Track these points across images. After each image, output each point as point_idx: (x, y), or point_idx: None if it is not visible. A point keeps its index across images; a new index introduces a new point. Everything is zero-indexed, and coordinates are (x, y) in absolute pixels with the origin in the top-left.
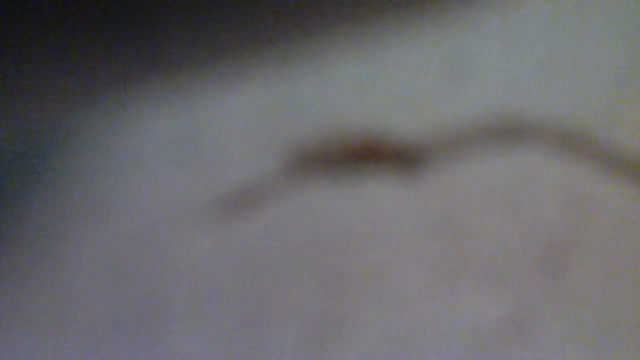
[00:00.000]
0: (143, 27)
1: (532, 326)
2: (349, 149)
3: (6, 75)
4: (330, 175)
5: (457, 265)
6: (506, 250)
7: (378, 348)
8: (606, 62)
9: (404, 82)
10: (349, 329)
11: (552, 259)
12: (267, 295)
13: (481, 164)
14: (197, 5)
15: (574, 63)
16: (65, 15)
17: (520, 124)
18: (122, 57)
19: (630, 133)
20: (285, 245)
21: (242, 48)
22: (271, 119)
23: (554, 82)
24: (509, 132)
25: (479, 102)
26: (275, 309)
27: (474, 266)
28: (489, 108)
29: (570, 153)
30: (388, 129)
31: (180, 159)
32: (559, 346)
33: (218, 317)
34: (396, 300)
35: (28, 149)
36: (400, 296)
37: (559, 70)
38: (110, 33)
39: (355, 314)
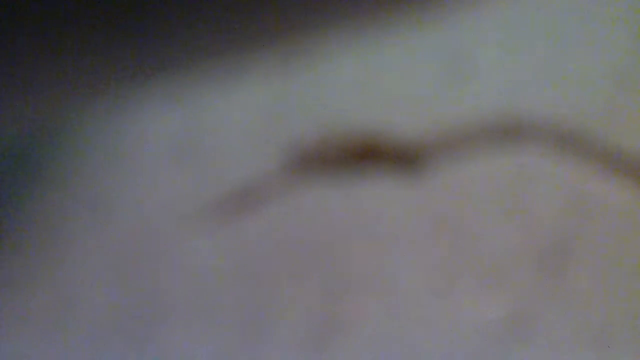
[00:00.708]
0: (143, 27)
1: (532, 326)
2: (348, 148)
3: (6, 74)
4: (330, 175)
5: (457, 265)
6: (506, 250)
7: (378, 348)
8: (606, 62)
9: (404, 82)
10: (349, 328)
11: (552, 259)
12: (267, 295)
13: (481, 164)
14: (197, 5)
15: (574, 63)
16: (65, 15)
17: (520, 124)
18: (122, 57)
19: (630, 133)
20: (285, 245)
21: (242, 48)
22: (271, 119)
23: (554, 82)
24: (509, 132)
25: (479, 102)
26: (276, 309)
27: (474, 266)
28: (489, 108)
29: (570, 153)
30: (388, 128)
31: (180, 159)
32: (559, 346)
33: (218, 317)
34: (396, 300)
35: (28, 149)
36: (400, 296)
37: (559, 70)
38: (110, 33)
39: (355, 313)
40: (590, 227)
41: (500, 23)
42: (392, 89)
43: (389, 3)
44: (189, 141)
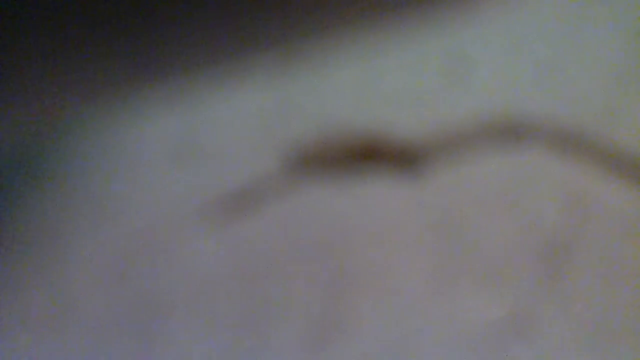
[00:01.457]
0: (143, 27)
1: (532, 326)
2: (349, 149)
3: (6, 75)
4: (330, 175)
5: (457, 264)
6: (506, 250)
7: (378, 348)
8: (606, 62)
9: (404, 82)
10: (349, 328)
11: (552, 259)
12: (268, 295)
13: (481, 164)
14: (196, 6)
15: (574, 63)
16: (65, 15)
17: (520, 124)
18: (122, 57)
19: (630, 133)
20: (285, 245)
21: (242, 48)
22: (271, 119)
23: (554, 82)
24: (509, 132)
25: (479, 102)
26: (276, 309)
27: (474, 266)
28: (489, 108)
29: (570, 153)
30: (388, 128)
31: (181, 159)
32: (559, 346)
33: (218, 317)
34: (396, 300)
35: (28, 149)
36: (400, 296)
37: (559, 70)
38: (110, 33)
39: (355, 313)
40: (590, 227)
41: (500, 23)
42: (392, 89)
43: (389, 4)
44: (189, 142)
